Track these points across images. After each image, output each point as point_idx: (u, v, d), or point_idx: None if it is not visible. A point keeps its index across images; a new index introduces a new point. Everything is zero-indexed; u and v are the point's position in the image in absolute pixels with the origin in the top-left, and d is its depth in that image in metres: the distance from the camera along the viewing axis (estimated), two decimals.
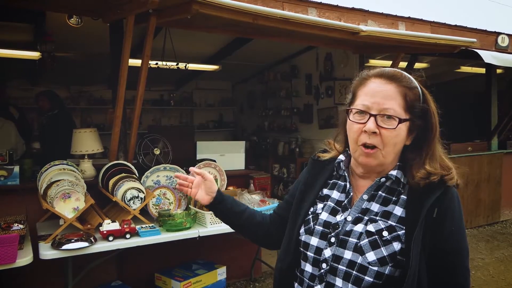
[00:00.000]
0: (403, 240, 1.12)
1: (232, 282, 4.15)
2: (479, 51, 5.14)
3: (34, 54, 4.87)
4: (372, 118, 1.15)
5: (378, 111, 1.15)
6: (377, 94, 1.17)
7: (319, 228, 1.23)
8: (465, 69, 7.52)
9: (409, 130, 1.18)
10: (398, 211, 1.17)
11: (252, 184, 4.14)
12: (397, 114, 1.15)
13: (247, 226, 1.49)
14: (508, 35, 6.43)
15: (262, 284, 4.24)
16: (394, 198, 1.19)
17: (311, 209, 1.29)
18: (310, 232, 1.25)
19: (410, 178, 1.17)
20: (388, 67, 1.25)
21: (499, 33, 6.35)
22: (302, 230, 1.27)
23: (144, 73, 3.32)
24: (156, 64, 4.93)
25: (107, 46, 3.90)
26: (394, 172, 1.20)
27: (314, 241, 1.23)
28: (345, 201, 1.24)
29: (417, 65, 6.28)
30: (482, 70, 6.94)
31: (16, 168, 3.33)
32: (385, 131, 1.15)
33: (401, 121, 1.15)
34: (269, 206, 3.40)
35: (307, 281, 1.24)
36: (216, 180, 3.84)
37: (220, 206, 1.48)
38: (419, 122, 1.18)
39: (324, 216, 1.25)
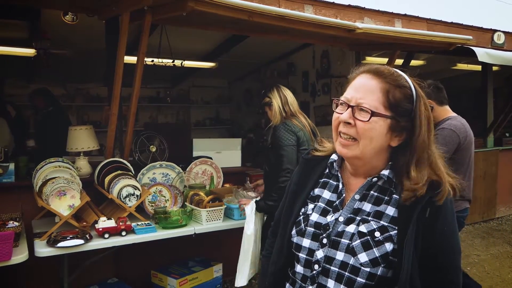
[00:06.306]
0: (395, 241, 1.12)
1: (228, 279, 4.14)
2: (474, 49, 5.15)
3: (30, 51, 4.85)
4: (349, 109, 1.18)
5: (356, 103, 1.17)
6: (360, 88, 1.19)
7: (310, 229, 1.23)
8: (461, 66, 7.53)
9: (392, 130, 1.17)
10: (390, 211, 1.16)
11: (248, 181, 4.13)
12: (371, 107, 1.15)
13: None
14: (504, 32, 6.43)
15: (258, 281, 4.24)
16: (386, 198, 1.19)
17: (302, 210, 1.29)
18: (301, 233, 1.24)
19: (399, 183, 1.17)
20: (384, 64, 1.26)
21: (495, 30, 6.35)
22: (293, 231, 1.27)
23: (140, 70, 3.31)
24: (152, 61, 4.91)
25: (103, 43, 3.89)
26: (386, 172, 1.19)
27: (306, 242, 1.22)
28: (337, 202, 1.24)
29: (413, 62, 6.28)
30: (478, 67, 6.95)
31: (12, 166, 3.32)
32: (359, 122, 1.16)
33: (373, 114, 1.14)
34: None
35: (299, 282, 1.24)
36: (212, 177, 3.85)
37: None
38: (405, 123, 1.17)
39: (314, 217, 1.24)
